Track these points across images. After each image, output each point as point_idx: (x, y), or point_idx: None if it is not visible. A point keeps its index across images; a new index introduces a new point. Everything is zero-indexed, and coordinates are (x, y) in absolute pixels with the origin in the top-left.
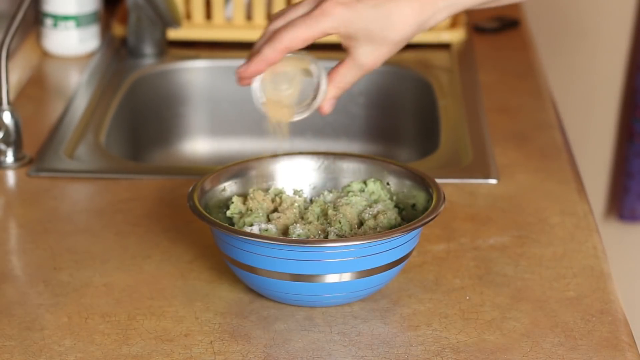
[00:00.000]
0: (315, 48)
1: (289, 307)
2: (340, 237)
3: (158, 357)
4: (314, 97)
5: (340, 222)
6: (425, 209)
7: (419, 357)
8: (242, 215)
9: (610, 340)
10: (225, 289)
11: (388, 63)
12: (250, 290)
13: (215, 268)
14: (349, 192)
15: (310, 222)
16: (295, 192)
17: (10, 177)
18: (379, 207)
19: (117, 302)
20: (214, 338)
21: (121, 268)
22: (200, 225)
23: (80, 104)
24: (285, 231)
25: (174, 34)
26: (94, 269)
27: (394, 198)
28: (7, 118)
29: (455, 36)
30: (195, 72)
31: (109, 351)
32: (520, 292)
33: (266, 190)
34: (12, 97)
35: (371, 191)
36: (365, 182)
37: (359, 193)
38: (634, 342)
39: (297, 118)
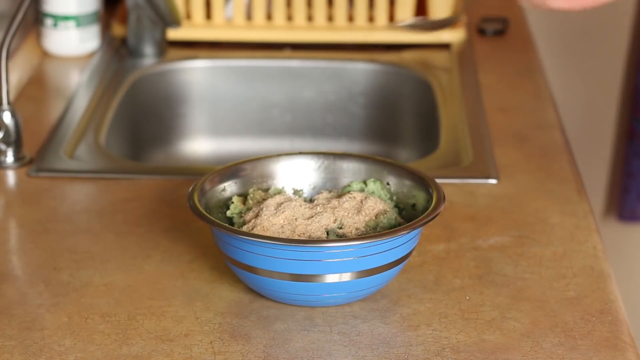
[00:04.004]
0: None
1: (289, 307)
2: (340, 237)
3: (158, 357)
4: None
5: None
6: (425, 209)
7: (419, 357)
8: (242, 215)
9: (610, 340)
10: (226, 289)
11: (388, 63)
12: (250, 290)
13: (216, 268)
14: (349, 192)
15: None
16: (295, 192)
17: (10, 177)
18: (380, 207)
19: (117, 302)
20: (214, 338)
21: (121, 268)
22: (200, 225)
23: (80, 104)
24: None
25: (174, 34)
26: (94, 269)
27: (394, 198)
28: (7, 118)
29: (455, 36)
30: (195, 72)
31: (109, 351)
32: (520, 292)
33: (266, 190)
34: (12, 97)
35: (371, 191)
36: (365, 182)
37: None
38: (634, 342)
39: None
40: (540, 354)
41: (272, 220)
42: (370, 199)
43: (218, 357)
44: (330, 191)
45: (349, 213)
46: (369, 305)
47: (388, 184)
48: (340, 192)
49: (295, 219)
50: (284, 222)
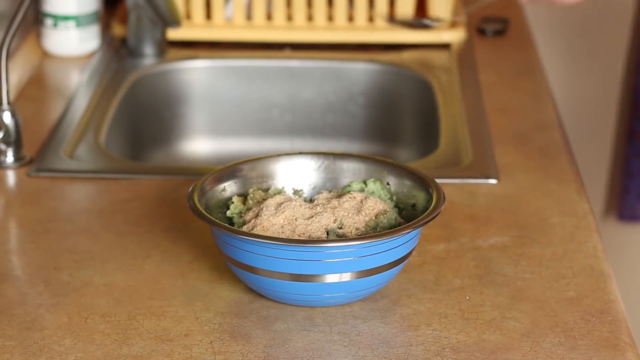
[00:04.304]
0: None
1: (289, 307)
2: (340, 237)
3: (158, 357)
4: None
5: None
6: (425, 209)
7: (419, 357)
8: (242, 215)
9: (610, 340)
10: (225, 289)
11: (388, 63)
12: (250, 290)
13: (215, 268)
14: (349, 192)
15: None
16: (295, 192)
17: (10, 177)
18: (380, 207)
19: (117, 302)
20: (214, 338)
21: (121, 268)
22: (200, 225)
23: (80, 104)
24: None
25: (174, 34)
26: (94, 269)
27: (394, 198)
28: (7, 118)
29: (455, 36)
30: (195, 72)
31: (109, 351)
32: (520, 292)
33: (266, 190)
34: (12, 97)
35: (371, 191)
36: (365, 182)
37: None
38: (634, 342)
39: None
40: (540, 354)
41: (272, 220)
42: (370, 199)
43: (218, 357)
44: (330, 191)
45: (349, 213)
46: (369, 305)
47: (388, 184)
48: (340, 192)
49: (295, 219)
50: (284, 222)
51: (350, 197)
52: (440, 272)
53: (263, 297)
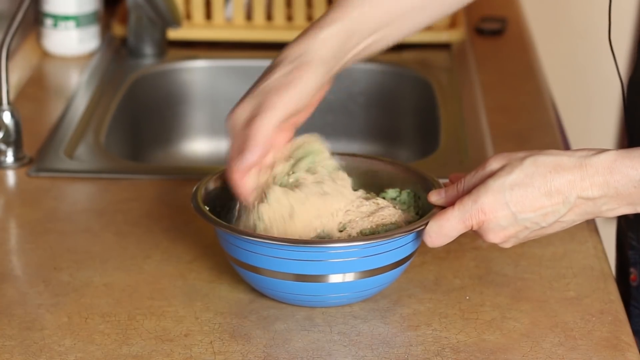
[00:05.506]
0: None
1: (289, 307)
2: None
3: (158, 357)
4: None
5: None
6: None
7: (419, 357)
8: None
9: (610, 340)
10: (225, 289)
11: (388, 63)
12: (250, 290)
13: (215, 268)
14: (383, 197)
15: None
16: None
17: (10, 177)
18: (391, 219)
19: (117, 302)
20: (214, 338)
21: (121, 268)
22: (200, 225)
23: (80, 104)
24: None
25: (174, 34)
26: (94, 269)
27: (420, 212)
28: (7, 118)
29: (455, 36)
30: (195, 72)
31: (109, 351)
32: (520, 292)
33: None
34: (12, 97)
35: (403, 201)
36: (400, 191)
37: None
38: (634, 342)
39: None
40: (540, 354)
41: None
42: (388, 209)
43: (218, 357)
44: (368, 192)
45: (357, 217)
46: (369, 305)
47: (419, 197)
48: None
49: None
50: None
51: (373, 202)
52: (440, 272)
53: (263, 297)
